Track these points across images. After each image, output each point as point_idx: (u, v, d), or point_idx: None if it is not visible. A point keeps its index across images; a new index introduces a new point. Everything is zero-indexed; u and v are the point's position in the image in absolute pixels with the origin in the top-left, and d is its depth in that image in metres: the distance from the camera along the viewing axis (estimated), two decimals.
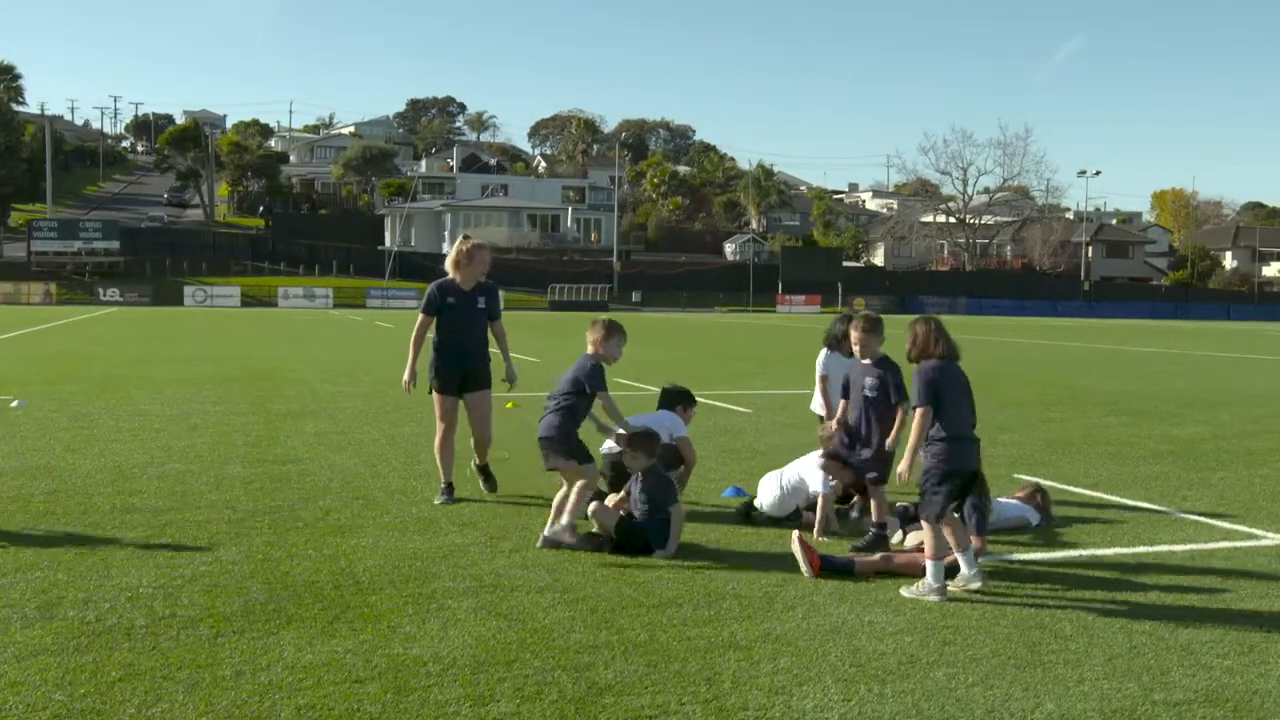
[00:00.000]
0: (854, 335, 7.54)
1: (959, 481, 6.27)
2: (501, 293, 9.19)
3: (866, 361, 7.49)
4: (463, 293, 8.58)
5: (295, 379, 19.22)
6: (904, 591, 6.18)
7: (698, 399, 9.39)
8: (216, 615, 5.57)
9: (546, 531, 7.15)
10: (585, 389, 7.45)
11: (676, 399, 8.87)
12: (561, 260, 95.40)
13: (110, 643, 5.12)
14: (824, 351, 8.61)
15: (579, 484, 7.23)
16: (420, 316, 8.65)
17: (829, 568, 6.57)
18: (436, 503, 8.45)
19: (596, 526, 7.22)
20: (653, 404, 9.18)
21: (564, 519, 7.14)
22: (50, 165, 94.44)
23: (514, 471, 9.96)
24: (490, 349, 8.83)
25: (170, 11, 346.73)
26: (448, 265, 8.63)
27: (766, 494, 8.11)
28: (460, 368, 8.56)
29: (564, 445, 7.40)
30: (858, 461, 7.48)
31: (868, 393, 7.39)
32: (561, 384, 7.56)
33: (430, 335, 8.68)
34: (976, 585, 6.19)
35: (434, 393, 8.63)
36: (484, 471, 8.86)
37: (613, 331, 7.61)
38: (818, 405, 8.72)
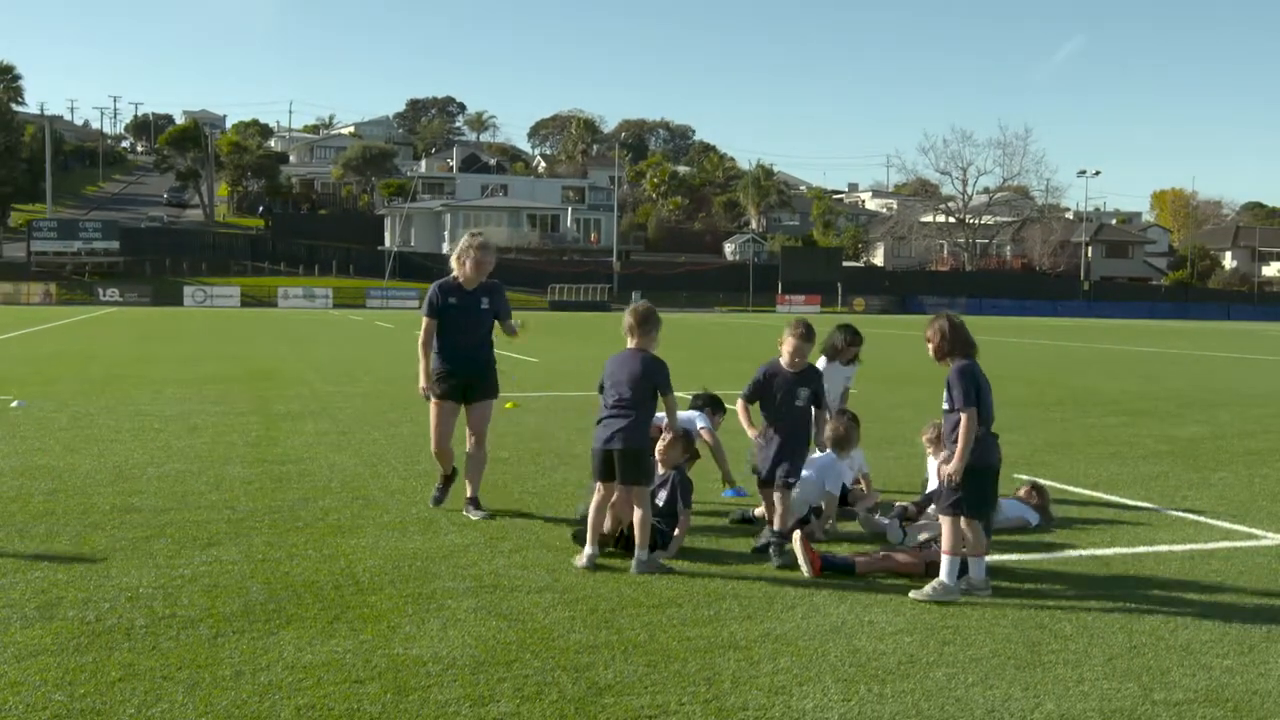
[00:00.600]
0: (791, 342, 7.13)
1: (992, 478, 6.28)
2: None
3: (793, 371, 7.18)
4: (465, 293, 8.13)
5: (295, 379, 19.22)
6: (914, 595, 6.09)
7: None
8: (216, 615, 5.57)
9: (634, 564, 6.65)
10: (655, 391, 6.89)
11: (706, 403, 9.03)
12: (561, 260, 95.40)
13: (110, 643, 5.12)
14: (822, 360, 8.95)
15: (641, 512, 6.70)
16: (424, 320, 8.18)
17: (829, 567, 6.57)
18: (431, 504, 8.24)
19: (608, 522, 7.17)
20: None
21: (643, 553, 6.66)
22: (50, 165, 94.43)
23: (514, 471, 9.96)
24: (496, 351, 8.36)
25: (170, 11, 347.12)
26: (452, 263, 8.20)
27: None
28: (464, 375, 8.08)
29: (647, 462, 6.86)
30: (780, 476, 7.07)
31: (799, 402, 7.14)
32: (624, 386, 6.84)
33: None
34: (983, 594, 6.14)
35: (432, 400, 8.14)
36: (475, 503, 8.12)
37: (657, 323, 7.11)
38: None
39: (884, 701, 4.61)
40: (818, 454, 7.96)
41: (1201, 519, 8.44)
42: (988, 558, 6.90)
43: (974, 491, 6.17)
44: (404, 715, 4.37)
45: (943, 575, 6.13)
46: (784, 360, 7.23)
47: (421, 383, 8.21)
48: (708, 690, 4.69)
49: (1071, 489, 9.58)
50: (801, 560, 6.54)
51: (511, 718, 4.37)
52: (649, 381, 6.84)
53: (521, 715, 4.40)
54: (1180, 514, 8.62)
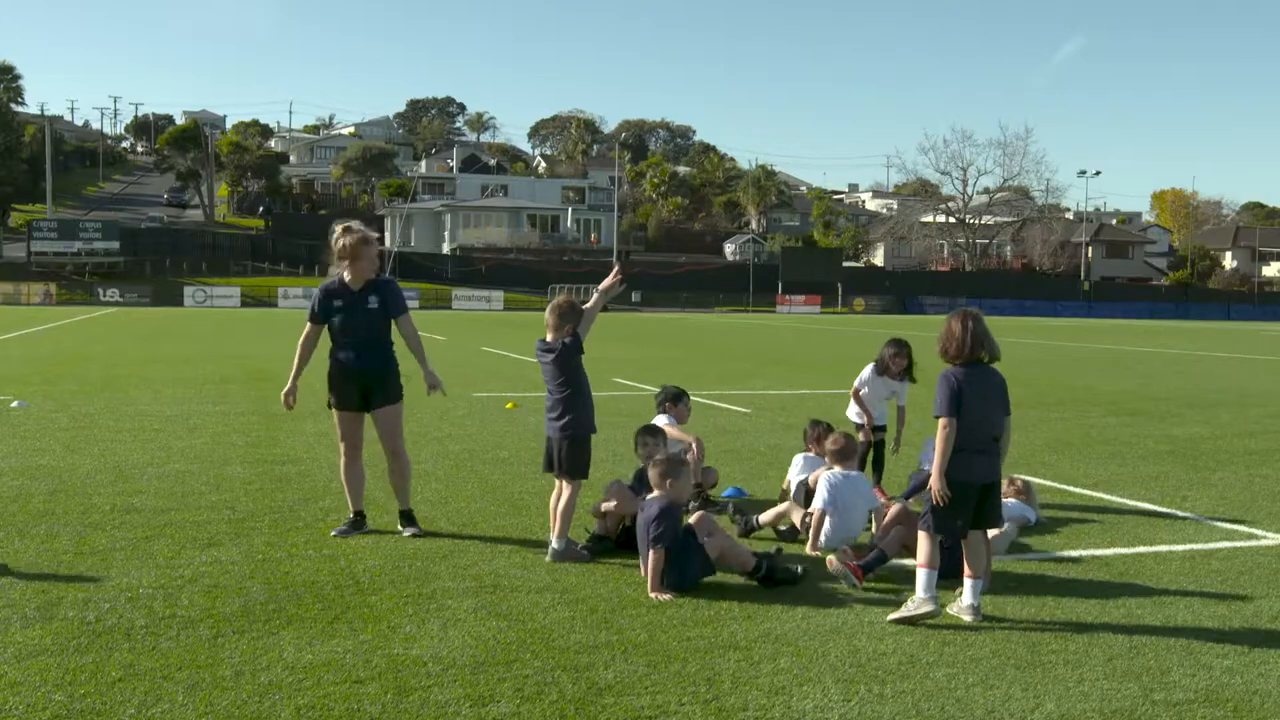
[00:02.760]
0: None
1: (965, 496, 5.80)
2: (403, 287, 7.86)
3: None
4: (351, 293, 7.48)
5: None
6: (891, 617, 5.71)
7: (697, 398, 9.41)
8: (216, 615, 5.57)
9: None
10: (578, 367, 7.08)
11: (668, 398, 8.95)
12: (561, 260, 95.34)
13: (110, 643, 5.12)
14: (869, 369, 9.20)
15: (566, 500, 6.98)
16: (308, 324, 7.60)
17: (868, 568, 6.39)
18: (332, 535, 7.39)
19: (598, 527, 7.20)
20: (649, 405, 9.15)
21: (558, 542, 6.84)
22: (50, 165, 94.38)
23: (514, 471, 9.97)
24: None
25: (170, 11, 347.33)
26: (337, 259, 7.52)
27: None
28: (358, 380, 7.48)
29: (582, 453, 7.09)
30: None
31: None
32: (551, 379, 7.12)
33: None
34: (969, 619, 5.72)
35: (331, 409, 7.64)
36: (408, 519, 7.64)
37: (573, 317, 7.14)
38: (853, 414, 9.35)
39: (884, 702, 4.61)
40: (833, 474, 7.58)
41: (1201, 519, 8.44)
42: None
43: (939, 506, 5.80)
44: (404, 715, 4.37)
45: (919, 589, 5.75)
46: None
47: (285, 389, 7.77)
48: (708, 690, 4.69)
49: (1071, 489, 9.57)
50: (844, 574, 6.32)
51: (511, 718, 4.37)
52: (569, 362, 7.01)
53: (521, 715, 4.40)
54: (1180, 514, 8.62)
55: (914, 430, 11.18)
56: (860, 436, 9.02)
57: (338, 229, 7.54)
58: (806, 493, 7.88)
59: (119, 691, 4.54)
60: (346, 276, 7.52)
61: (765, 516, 7.75)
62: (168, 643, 5.14)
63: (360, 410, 7.60)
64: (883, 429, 9.26)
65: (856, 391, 9.27)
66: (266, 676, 4.73)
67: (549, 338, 7.09)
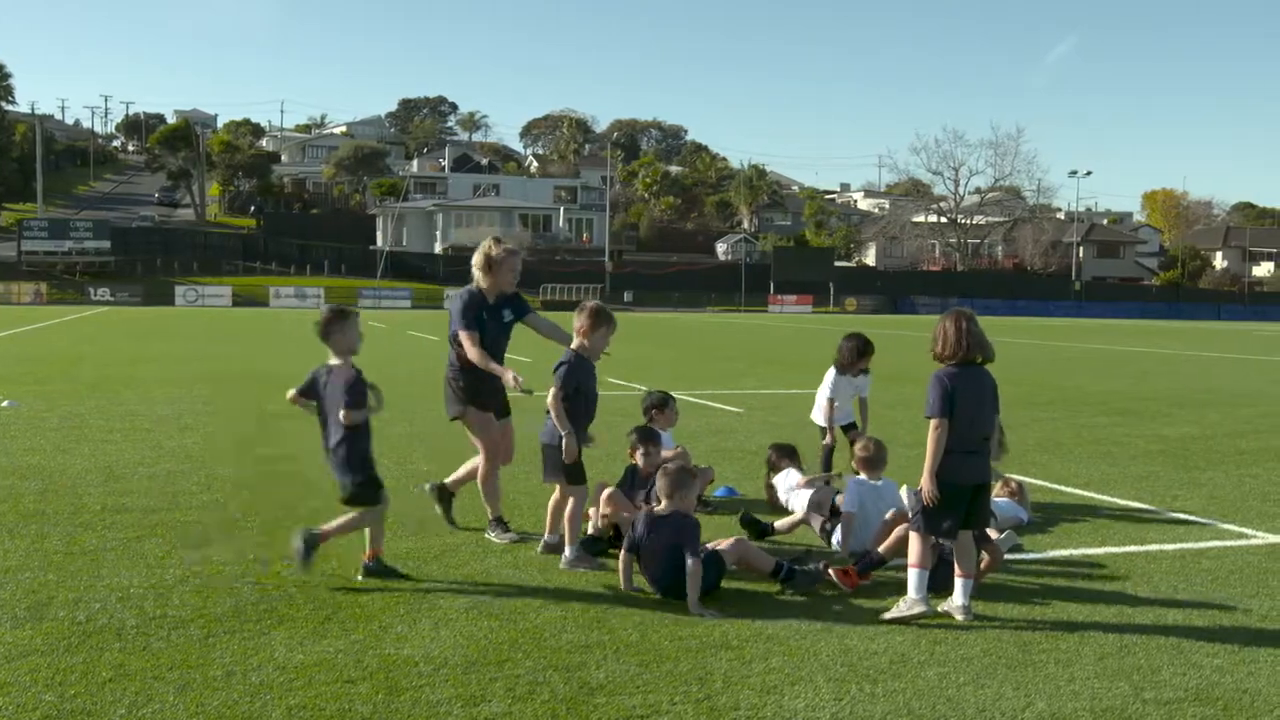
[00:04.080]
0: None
1: (956, 498, 5.80)
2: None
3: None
4: (489, 305, 7.57)
5: (287, 378, 19.14)
6: (883, 617, 5.73)
7: (689, 398, 9.40)
8: (207, 615, 5.56)
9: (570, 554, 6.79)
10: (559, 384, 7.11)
11: (654, 404, 8.72)
12: (554, 260, 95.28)
13: (101, 643, 5.11)
14: (831, 372, 9.11)
15: (569, 508, 6.86)
16: (470, 333, 7.37)
17: (864, 570, 6.38)
18: (502, 541, 7.37)
19: (602, 520, 7.20)
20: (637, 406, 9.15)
21: (570, 550, 6.77)
22: (41, 165, 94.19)
23: (506, 471, 9.95)
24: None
25: (162, 11, 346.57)
26: (480, 271, 7.55)
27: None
28: (501, 388, 7.64)
29: (556, 458, 7.08)
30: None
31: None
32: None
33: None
34: (960, 618, 5.74)
35: (475, 416, 7.61)
36: (445, 498, 7.85)
37: (605, 322, 7.18)
38: (818, 415, 9.27)
39: (875, 701, 4.62)
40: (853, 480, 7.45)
41: (1192, 519, 8.46)
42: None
43: (938, 510, 5.79)
44: (396, 715, 4.36)
45: (910, 590, 5.78)
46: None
47: (510, 376, 7.35)
48: (700, 689, 4.69)
49: (1062, 489, 9.59)
50: (841, 585, 6.30)
51: (503, 717, 4.37)
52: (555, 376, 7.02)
53: (513, 715, 4.40)
54: (1170, 514, 8.64)
55: (883, 423, 11.22)
56: (824, 440, 9.06)
57: (490, 241, 7.61)
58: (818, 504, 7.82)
59: (110, 692, 4.53)
60: (487, 285, 7.54)
61: (781, 524, 7.62)
62: (159, 643, 5.13)
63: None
64: (851, 427, 9.19)
65: (831, 403, 9.10)
66: (258, 676, 4.73)
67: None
